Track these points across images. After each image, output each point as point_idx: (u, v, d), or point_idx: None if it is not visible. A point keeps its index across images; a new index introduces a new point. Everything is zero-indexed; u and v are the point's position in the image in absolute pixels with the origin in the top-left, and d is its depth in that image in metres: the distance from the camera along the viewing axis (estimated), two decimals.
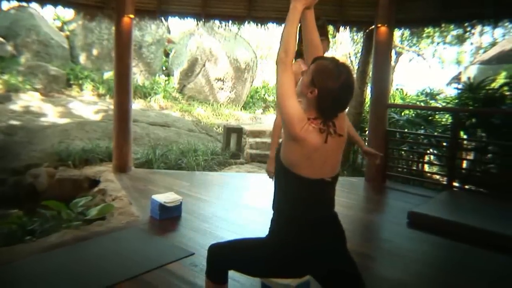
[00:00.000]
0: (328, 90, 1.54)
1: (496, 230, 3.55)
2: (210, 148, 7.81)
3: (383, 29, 5.31)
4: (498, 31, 14.96)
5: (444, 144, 6.51)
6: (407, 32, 12.98)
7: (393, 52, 10.26)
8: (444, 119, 7.46)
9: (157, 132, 8.27)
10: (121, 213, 3.96)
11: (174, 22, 19.18)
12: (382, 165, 5.30)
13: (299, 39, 2.28)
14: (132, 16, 5.31)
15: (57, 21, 12.49)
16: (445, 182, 5.55)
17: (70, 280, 2.65)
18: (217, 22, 6.17)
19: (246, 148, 8.31)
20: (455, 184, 5.26)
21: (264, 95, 13.98)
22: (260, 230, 1.84)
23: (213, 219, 3.92)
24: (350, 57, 14.66)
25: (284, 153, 1.62)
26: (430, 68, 20.36)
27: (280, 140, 1.76)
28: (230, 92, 12.12)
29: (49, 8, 10.19)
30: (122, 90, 5.52)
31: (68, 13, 11.77)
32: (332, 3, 5.65)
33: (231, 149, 7.82)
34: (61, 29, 12.20)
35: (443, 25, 7.25)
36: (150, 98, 10.89)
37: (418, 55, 16.47)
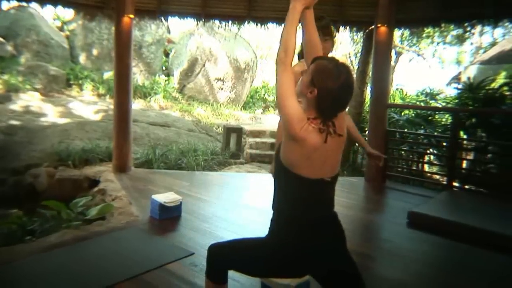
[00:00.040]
0: (328, 90, 1.54)
1: (496, 230, 3.55)
2: (210, 148, 7.81)
3: (383, 29, 5.31)
4: (498, 31, 14.97)
5: (444, 144, 6.51)
6: (407, 32, 12.99)
7: (393, 52, 10.26)
8: (444, 119, 7.46)
9: (157, 132, 8.27)
10: (121, 213, 3.96)
11: (174, 22, 19.20)
12: (382, 165, 5.30)
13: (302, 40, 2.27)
14: (132, 16, 5.31)
15: (57, 21, 12.50)
16: (445, 182, 5.55)
17: (70, 280, 2.65)
18: (217, 22, 6.17)
19: (246, 148, 8.31)
20: (455, 184, 5.26)
21: (264, 95, 13.98)
22: (260, 230, 1.84)
23: (213, 219, 3.92)
24: (350, 57, 14.66)
25: (284, 153, 1.62)
26: (430, 68, 20.37)
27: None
28: (230, 92, 12.12)
29: (49, 8, 10.24)
30: (122, 90, 5.52)
31: (68, 13, 11.79)
32: (332, 3, 5.65)
33: (231, 149, 7.82)
34: (61, 29, 12.20)
35: (443, 25, 7.25)
36: (150, 98, 10.89)
37: (418, 55, 16.47)
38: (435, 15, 5.53)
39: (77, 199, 4.29)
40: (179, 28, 15.08)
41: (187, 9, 5.90)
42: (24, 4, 8.21)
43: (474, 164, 6.58)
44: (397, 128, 6.84)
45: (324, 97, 1.55)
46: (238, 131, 8.10)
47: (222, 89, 12.01)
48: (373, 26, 5.57)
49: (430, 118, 7.10)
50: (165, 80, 11.98)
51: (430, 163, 7.63)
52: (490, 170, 6.10)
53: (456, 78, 12.96)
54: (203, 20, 5.94)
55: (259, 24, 6.02)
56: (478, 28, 13.25)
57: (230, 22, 6.08)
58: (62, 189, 5.47)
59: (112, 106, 6.56)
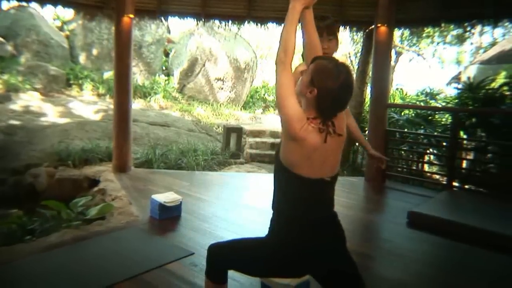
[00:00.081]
0: (328, 89, 1.54)
1: (496, 230, 3.55)
2: (210, 148, 7.81)
3: (383, 29, 5.31)
4: (498, 31, 14.97)
5: (444, 144, 6.51)
6: (407, 32, 12.99)
7: (393, 52, 10.26)
8: (444, 119, 7.46)
9: (157, 132, 8.27)
10: (121, 213, 3.96)
11: (174, 22, 19.21)
12: None
13: None
14: (132, 16, 5.31)
15: (57, 21, 12.49)
16: (445, 182, 5.55)
17: (70, 280, 2.65)
18: (217, 22, 6.17)
19: (246, 148, 8.31)
20: (455, 184, 5.26)
21: (264, 95, 13.98)
22: (260, 230, 1.84)
23: (213, 219, 3.92)
24: (350, 57, 14.66)
25: (283, 153, 1.62)
26: (430, 68, 20.36)
27: (279, 140, 1.76)
28: (230, 92, 12.11)
29: (49, 8, 10.25)
30: (122, 90, 5.52)
31: (68, 13, 11.78)
32: (332, 3, 5.65)
33: (231, 149, 7.82)
34: (61, 29, 12.20)
35: (443, 25, 7.25)
36: (150, 98, 10.88)
37: (418, 55, 16.48)
38: (435, 15, 5.53)
39: (77, 199, 4.29)
40: (179, 28, 15.11)
41: (187, 9, 5.90)
42: (24, 4, 8.21)
43: (474, 164, 6.58)
44: (397, 128, 6.85)
45: (323, 97, 1.55)
46: (238, 131, 8.10)
47: (222, 89, 12.01)
48: (373, 26, 5.57)
49: (430, 118, 7.11)
50: (165, 80, 11.98)
51: (430, 163, 7.64)
52: (490, 170, 6.10)
53: (456, 78, 12.96)
54: (203, 20, 5.94)
55: (259, 24, 6.02)
56: (478, 28, 13.25)
57: (230, 22, 6.08)
58: (62, 189, 5.46)
59: (112, 106, 6.56)
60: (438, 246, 3.65)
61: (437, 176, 6.90)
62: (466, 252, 3.45)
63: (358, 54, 11.69)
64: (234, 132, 8.01)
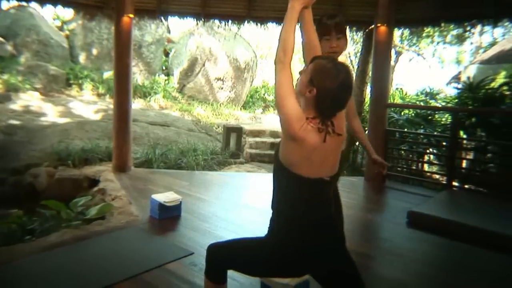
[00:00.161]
0: (327, 89, 1.54)
1: (496, 230, 3.55)
2: (210, 147, 7.81)
3: (382, 28, 5.30)
4: (498, 31, 14.97)
5: (444, 143, 6.51)
6: (407, 32, 12.98)
7: (393, 51, 10.25)
8: (443, 119, 7.46)
9: (157, 131, 8.27)
10: (121, 212, 3.96)
11: (174, 21, 19.20)
12: None
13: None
14: (131, 15, 5.31)
15: (57, 20, 12.49)
16: (444, 182, 5.55)
17: (70, 280, 2.65)
18: (217, 21, 6.16)
19: (245, 147, 8.31)
20: (455, 183, 5.26)
21: (264, 94, 13.98)
22: (259, 230, 1.84)
23: (212, 219, 3.92)
24: (350, 56, 14.65)
25: (282, 153, 1.62)
26: (430, 67, 20.37)
27: (279, 140, 1.76)
28: (229, 91, 12.11)
29: (48, 7, 10.20)
30: (121, 89, 5.51)
31: (67, 13, 11.78)
32: (332, 2, 5.64)
33: (230, 148, 7.82)
34: (60, 28, 12.20)
35: (442, 24, 7.24)
36: (150, 98, 10.88)
37: (418, 54, 16.47)
38: (435, 15, 5.52)
39: (76, 199, 4.29)
40: (179, 27, 15.09)
41: (187, 8, 5.90)
42: (24, 3, 8.19)
43: (473, 163, 6.58)
44: (397, 128, 6.84)
45: (323, 96, 1.55)
46: (238, 131, 8.10)
47: (222, 88, 12.01)
48: (373, 26, 5.56)
49: (430, 117, 7.11)
50: (165, 80, 11.98)
51: (430, 162, 7.64)
52: (489, 170, 6.10)
53: (456, 78, 12.96)
54: (203, 19, 5.93)
55: (259, 24, 6.01)
56: (478, 27, 13.24)
57: (230, 21, 6.07)
58: (62, 188, 5.46)
59: (111, 106, 6.57)
60: (438, 246, 3.65)
61: (437, 176, 6.90)
62: (466, 252, 3.45)
63: (358, 54, 11.69)
64: (234, 132, 8.01)
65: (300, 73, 1.67)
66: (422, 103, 8.60)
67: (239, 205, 4.46)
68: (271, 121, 10.42)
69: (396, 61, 14.89)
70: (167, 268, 2.85)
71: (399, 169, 6.39)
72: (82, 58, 11.66)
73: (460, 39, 15.36)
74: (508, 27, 13.42)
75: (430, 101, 8.67)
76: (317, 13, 1.85)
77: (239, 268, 1.84)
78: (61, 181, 5.67)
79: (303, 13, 1.74)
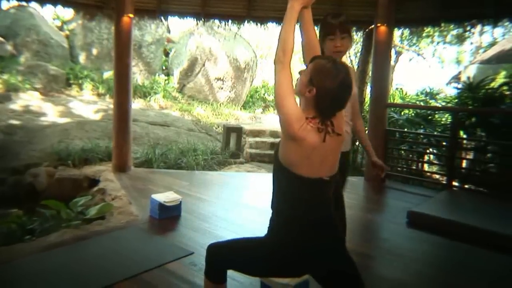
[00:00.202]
0: (327, 89, 1.54)
1: (496, 230, 3.55)
2: (210, 147, 7.81)
3: (382, 28, 5.30)
4: (498, 31, 14.98)
5: (444, 143, 6.51)
6: (406, 32, 12.98)
7: (392, 51, 10.25)
8: (443, 119, 7.46)
9: (157, 131, 8.27)
10: (121, 212, 3.96)
11: (173, 21, 19.20)
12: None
13: (320, 37, 2.26)
14: (131, 15, 5.31)
15: (57, 20, 12.48)
16: (444, 182, 5.55)
17: (70, 280, 2.65)
18: (216, 21, 6.17)
19: (245, 147, 8.31)
20: (455, 183, 5.26)
21: (264, 94, 13.98)
22: (259, 230, 1.84)
23: (212, 219, 3.92)
24: (350, 56, 14.66)
25: (282, 152, 1.62)
26: (430, 67, 20.39)
27: (278, 140, 1.76)
28: (229, 91, 12.11)
29: (48, 7, 10.23)
30: (121, 89, 5.51)
31: (67, 13, 11.77)
32: (332, 2, 5.63)
33: (230, 148, 7.82)
34: (60, 28, 12.19)
35: (442, 24, 7.24)
36: (150, 98, 10.88)
37: (418, 54, 16.48)
38: (435, 15, 5.52)
39: (76, 199, 4.29)
40: (179, 27, 15.09)
41: (187, 8, 5.90)
42: (24, 3, 8.18)
43: (473, 163, 6.58)
44: (397, 128, 6.84)
45: (322, 96, 1.55)
46: (238, 131, 8.10)
47: (222, 88, 12.01)
48: (372, 26, 5.56)
49: (429, 117, 7.10)
50: (165, 80, 11.97)
51: (429, 162, 7.64)
52: (489, 170, 6.10)
53: (456, 78, 12.96)
54: (203, 19, 5.93)
55: (258, 24, 6.01)
56: (478, 27, 13.25)
57: (230, 21, 6.07)
58: (62, 188, 5.46)
59: (112, 106, 6.56)
60: (438, 246, 3.65)
61: (437, 176, 6.90)
62: (466, 252, 3.45)
63: (358, 54, 11.69)
64: (234, 131, 8.01)
65: (300, 73, 1.67)
66: (422, 103, 8.59)
67: (239, 205, 4.46)
68: (271, 121, 10.42)
69: (396, 61, 14.89)
70: (167, 268, 2.85)
71: (399, 169, 6.39)
72: (82, 58, 11.66)
73: (460, 39, 15.37)
74: (508, 27, 13.43)
75: (430, 101, 8.67)
76: (316, 13, 1.85)
77: (239, 268, 1.84)
78: (61, 181, 5.67)
79: (303, 13, 1.74)
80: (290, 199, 1.66)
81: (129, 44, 5.41)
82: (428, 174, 7.26)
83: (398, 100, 9.75)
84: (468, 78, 8.19)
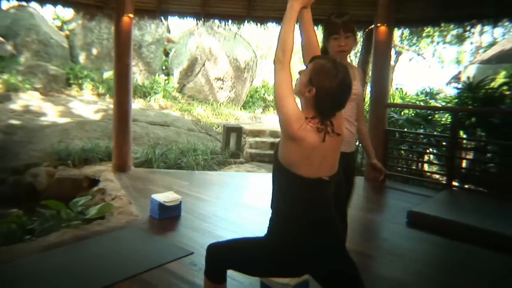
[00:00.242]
0: (326, 89, 1.54)
1: (495, 230, 3.55)
2: (210, 147, 7.81)
3: (382, 28, 5.30)
4: (498, 31, 14.99)
5: (444, 143, 6.51)
6: (406, 32, 12.99)
7: (392, 51, 10.25)
8: (443, 119, 7.45)
9: (157, 131, 8.27)
10: (121, 212, 3.96)
11: (173, 21, 19.21)
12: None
13: (325, 36, 2.26)
14: (131, 15, 5.31)
15: (57, 20, 12.49)
16: (444, 182, 5.55)
17: (70, 279, 2.65)
18: (216, 21, 6.17)
19: (245, 147, 8.31)
20: (455, 183, 5.26)
21: (263, 94, 13.98)
22: (259, 230, 1.84)
23: (212, 219, 3.92)
24: (350, 56, 14.66)
25: (282, 152, 1.62)
26: (429, 67, 20.39)
27: (278, 140, 1.76)
28: (229, 91, 12.11)
29: (48, 7, 10.24)
30: (121, 89, 5.51)
31: (67, 13, 11.78)
32: (331, 2, 5.63)
33: (230, 148, 7.82)
34: (60, 28, 12.19)
35: (442, 24, 7.24)
36: (150, 98, 10.88)
37: (418, 54, 16.48)
38: (435, 15, 5.52)
39: (76, 199, 4.29)
40: (179, 27, 15.10)
41: (186, 8, 5.90)
42: (24, 3, 8.17)
43: (473, 163, 6.58)
44: (397, 128, 6.84)
45: (322, 96, 1.55)
46: (238, 131, 8.10)
47: (222, 88, 12.01)
48: (372, 26, 5.56)
49: (429, 117, 7.10)
50: (165, 80, 11.98)
51: (429, 162, 7.63)
52: (489, 170, 6.10)
53: (456, 78, 12.97)
54: (203, 19, 5.93)
55: (258, 24, 6.01)
56: (478, 27, 13.25)
57: (230, 21, 6.08)
58: (62, 188, 5.47)
59: (111, 106, 6.56)
60: (437, 246, 3.65)
61: (437, 176, 6.90)
62: (466, 252, 3.45)
63: (358, 54, 11.70)
64: (234, 131, 8.01)
65: (300, 73, 1.67)
66: (422, 103, 8.59)
67: (239, 205, 4.46)
68: (271, 121, 10.42)
69: (396, 61, 14.90)
70: (167, 268, 2.85)
71: (399, 169, 6.39)
72: (82, 58, 11.66)
73: (460, 39, 15.38)
74: (508, 27, 13.44)
75: (430, 101, 8.66)
76: (316, 13, 1.85)
77: (239, 268, 1.84)
78: (61, 181, 5.67)
79: (302, 13, 1.74)
80: (289, 199, 1.66)
81: (129, 44, 5.41)
82: (428, 174, 7.25)
83: (398, 100, 9.74)
84: (468, 78, 8.19)
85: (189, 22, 7.52)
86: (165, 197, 3.87)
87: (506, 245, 3.39)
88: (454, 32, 13.92)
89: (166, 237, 3.49)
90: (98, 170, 5.65)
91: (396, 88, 12.33)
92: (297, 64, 13.64)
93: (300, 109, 1.60)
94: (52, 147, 6.55)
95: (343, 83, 1.56)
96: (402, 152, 7.06)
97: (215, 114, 10.82)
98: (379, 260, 3.28)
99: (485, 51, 14.68)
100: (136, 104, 9.94)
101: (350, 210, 4.20)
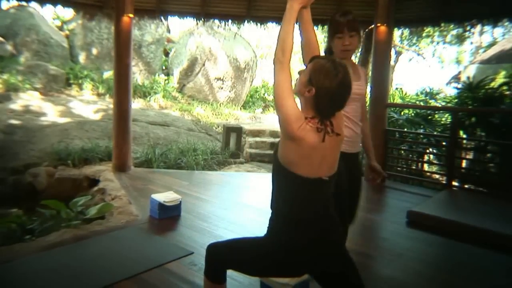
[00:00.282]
0: (326, 89, 1.54)
1: (495, 230, 3.55)
2: (210, 147, 7.81)
3: (382, 28, 5.30)
4: (498, 31, 14.99)
5: (444, 143, 6.50)
6: (406, 32, 13.00)
7: (392, 51, 10.25)
8: (443, 119, 7.46)
9: (157, 131, 8.27)
10: (121, 212, 3.96)
11: (173, 21, 19.21)
12: (381, 165, 5.31)
13: (329, 35, 2.25)
14: (131, 15, 5.31)
15: (57, 20, 12.49)
16: (444, 182, 5.55)
17: (70, 279, 2.65)
18: (216, 21, 6.17)
19: (245, 147, 8.31)
20: (455, 183, 5.26)
21: (263, 94, 13.99)
22: (259, 230, 1.84)
23: (212, 218, 3.92)
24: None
25: (281, 152, 1.62)
26: (429, 67, 20.39)
27: (278, 140, 1.76)
28: (229, 91, 12.12)
29: (48, 7, 10.23)
30: (121, 89, 5.51)
31: (67, 13, 11.79)
32: (331, 2, 5.64)
33: (230, 148, 7.82)
34: (60, 28, 12.20)
35: (442, 24, 7.24)
36: (150, 98, 10.89)
37: (418, 54, 16.49)
38: (435, 15, 5.53)
39: (76, 199, 4.29)
40: (179, 27, 15.12)
41: (186, 8, 5.90)
42: (24, 3, 8.17)
43: (473, 163, 6.58)
44: (397, 128, 6.84)
45: (322, 96, 1.55)
46: (237, 131, 8.10)
47: (221, 88, 12.01)
48: (372, 26, 5.56)
49: (429, 117, 7.10)
50: (165, 80, 11.98)
51: (429, 162, 7.63)
52: (489, 170, 6.10)
53: (456, 78, 12.98)
54: (203, 19, 5.94)
55: (258, 24, 6.02)
56: (478, 27, 13.26)
57: (229, 21, 6.08)
58: (62, 188, 5.47)
59: (111, 106, 6.56)
60: (437, 246, 3.65)
61: (437, 176, 6.89)
62: (466, 252, 3.45)
63: (358, 54, 11.69)
64: (233, 131, 8.01)
65: (299, 73, 1.67)
66: (422, 103, 8.59)
67: (239, 204, 4.46)
68: (271, 121, 10.42)
69: (396, 61, 14.91)
70: (167, 268, 2.85)
71: (399, 169, 6.39)
72: (82, 58, 11.66)
73: (460, 39, 15.39)
74: (508, 27, 13.44)
75: (430, 101, 8.66)
76: (316, 12, 1.85)
77: (239, 268, 1.84)
78: (61, 181, 5.67)
79: (302, 12, 1.74)
80: (289, 199, 1.66)
81: (129, 44, 5.41)
82: (428, 174, 7.25)
83: (398, 100, 9.74)
84: (468, 78, 8.19)
85: (189, 22, 7.53)
86: (165, 197, 3.87)
87: (506, 244, 3.40)
88: (454, 32, 13.93)
89: (166, 237, 3.49)
90: (98, 170, 5.65)
91: (396, 88, 12.34)
92: (297, 64, 13.65)
93: (300, 109, 1.60)
94: (52, 147, 6.56)
95: (342, 83, 1.56)
96: (402, 152, 7.06)
97: (215, 114, 10.82)
98: (379, 260, 3.28)
99: (485, 51, 14.69)
100: (136, 104, 9.94)
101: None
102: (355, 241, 3.24)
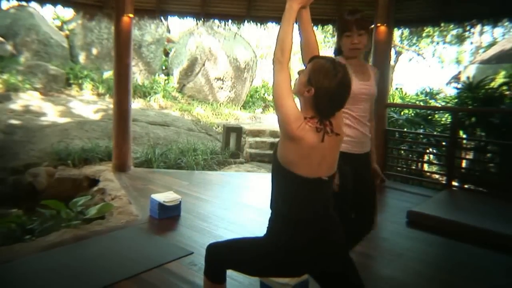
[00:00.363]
0: (325, 88, 1.54)
1: (495, 229, 3.55)
2: (210, 147, 7.81)
3: (382, 28, 5.30)
4: (498, 31, 15.00)
5: (444, 143, 6.51)
6: (406, 32, 13.00)
7: (392, 51, 10.25)
8: (443, 119, 7.46)
9: (157, 131, 8.27)
10: (121, 212, 3.96)
11: (173, 21, 19.21)
12: (381, 165, 5.30)
13: (338, 34, 2.25)
14: (131, 15, 5.31)
15: (57, 20, 12.50)
16: (444, 182, 5.55)
17: (70, 279, 2.65)
18: (216, 21, 6.17)
19: (245, 147, 8.31)
20: (454, 183, 5.26)
21: (263, 94, 13.99)
22: (259, 230, 1.84)
23: (212, 218, 3.92)
24: None
25: (281, 152, 1.62)
26: (429, 67, 20.39)
27: (277, 140, 1.76)
28: (229, 91, 12.12)
29: (48, 7, 10.22)
30: (121, 89, 5.51)
31: (67, 13, 11.79)
32: (331, 2, 5.63)
33: (230, 148, 7.82)
34: (60, 28, 12.20)
35: (442, 24, 7.25)
36: (150, 98, 10.89)
37: (418, 54, 16.49)
38: (435, 15, 5.53)
39: (76, 199, 4.29)
40: (179, 27, 15.12)
41: (186, 8, 5.90)
42: (24, 3, 8.17)
43: (473, 163, 6.58)
44: (397, 128, 6.84)
45: (321, 96, 1.55)
46: (237, 131, 8.10)
47: (221, 88, 12.02)
48: (372, 26, 5.56)
49: (429, 117, 7.10)
50: (165, 80, 11.98)
51: (429, 162, 7.64)
52: (489, 170, 6.10)
53: (456, 78, 12.98)
54: (202, 19, 5.94)
55: (258, 24, 6.02)
56: (478, 27, 13.26)
57: (229, 21, 6.09)
58: (62, 188, 5.47)
59: (111, 106, 6.56)
60: (437, 246, 3.65)
61: (437, 176, 6.90)
62: (466, 252, 3.45)
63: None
64: (233, 131, 8.01)
65: (299, 73, 1.67)
66: (422, 103, 8.59)
67: (239, 204, 4.46)
68: (271, 121, 10.42)
69: (396, 61, 14.91)
70: (167, 268, 2.85)
71: (398, 169, 6.39)
72: (82, 58, 11.66)
73: (460, 39, 15.39)
74: (508, 27, 13.45)
75: (430, 101, 8.67)
76: (315, 12, 1.85)
77: (238, 268, 1.84)
78: (61, 181, 5.67)
79: (301, 13, 1.74)
80: (289, 199, 1.66)
81: (129, 44, 5.41)
82: (428, 174, 7.25)
83: (398, 100, 9.75)
84: (468, 78, 8.19)
85: (189, 22, 7.53)
86: (165, 197, 3.87)
87: (506, 244, 3.40)
88: (454, 32, 13.93)
89: (166, 237, 3.49)
90: (98, 170, 5.65)
91: (396, 88, 12.34)
92: (297, 64, 13.65)
93: (299, 109, 1.60)
94: (52, 147, 6.56)
95: (342, 83, 1.56)
96: (402, 152, 7.06)
97: (215, 114, 10.82)
98: (379, 260, 3.28)
99: (485, 51, 14.70)
100: (136, 104, 9.94)
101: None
102: None
